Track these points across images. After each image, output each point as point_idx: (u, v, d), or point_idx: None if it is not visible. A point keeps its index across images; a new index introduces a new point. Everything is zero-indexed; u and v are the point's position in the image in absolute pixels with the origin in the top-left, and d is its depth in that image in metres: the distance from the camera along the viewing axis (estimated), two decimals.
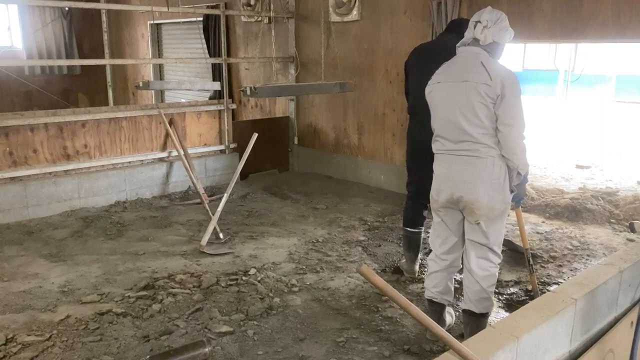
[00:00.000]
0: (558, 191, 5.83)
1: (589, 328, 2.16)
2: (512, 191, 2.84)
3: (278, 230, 4.90)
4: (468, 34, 2.85)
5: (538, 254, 4.28)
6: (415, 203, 3.85)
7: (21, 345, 2.95)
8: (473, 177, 2.75)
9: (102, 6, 7.39)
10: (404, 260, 3.95)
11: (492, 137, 2.71)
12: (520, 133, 2.69)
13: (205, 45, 7.66)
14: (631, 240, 4.56)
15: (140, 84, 6.53)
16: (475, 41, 2.81)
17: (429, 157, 3.00)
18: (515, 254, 4.16)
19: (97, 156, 5.62)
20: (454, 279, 3.20)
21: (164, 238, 4.69)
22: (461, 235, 2.97)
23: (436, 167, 2.95)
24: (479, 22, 2.79)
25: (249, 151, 4.84)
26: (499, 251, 2.89)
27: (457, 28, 3.59)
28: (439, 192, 2.91)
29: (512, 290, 3.70)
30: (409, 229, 3.89)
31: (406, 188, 3.96)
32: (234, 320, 3.22)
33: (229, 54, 7.46)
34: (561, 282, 3.71)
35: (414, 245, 3.88)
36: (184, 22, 8.93)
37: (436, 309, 3.09)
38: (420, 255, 3.93)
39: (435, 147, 2.95)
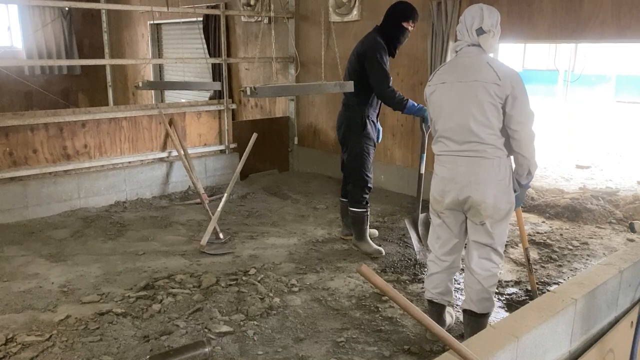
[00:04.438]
0: (558, 191, 5.83)
1: (589, 328, 2.16)
2: (515, 191, 2.84)
3: (278, 230, 4.90)
4: (471, 39, 2.79)
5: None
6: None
7: (21, 345, 2.95)
8: (480, 178, 2.73)
9: (102, 6, 7.39)
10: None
11: (498, 137, 2.71)
12: (532, 129, 2.71)
13: (205, 45, 7.66)
14: (631, 240, 4.56)
15: (140, 84, 6.53)
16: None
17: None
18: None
19: (97, 156, 5.62)
20: (454, 279, 3.20)
21: (164, 238, 4.69)
22: (462, 236, 2.96)
23: (439, 168, 2.90)
24: (483, 30, 2.75)
25: (249, 151, 4.84)
26: (502, 251, 2.89)
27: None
28: (443, 193, 2.87)
29: (512, 290, 3.70)
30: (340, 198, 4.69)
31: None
32: (234, 320, 3.22)
33: (229, 54, 7.46)
34: (561, 282, 3.71)
35: (344, 213, 4.60)
36: (184, 22, 8.93)
37: (436, 309, 3.09)
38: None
39: (437, 148, 2.91)
